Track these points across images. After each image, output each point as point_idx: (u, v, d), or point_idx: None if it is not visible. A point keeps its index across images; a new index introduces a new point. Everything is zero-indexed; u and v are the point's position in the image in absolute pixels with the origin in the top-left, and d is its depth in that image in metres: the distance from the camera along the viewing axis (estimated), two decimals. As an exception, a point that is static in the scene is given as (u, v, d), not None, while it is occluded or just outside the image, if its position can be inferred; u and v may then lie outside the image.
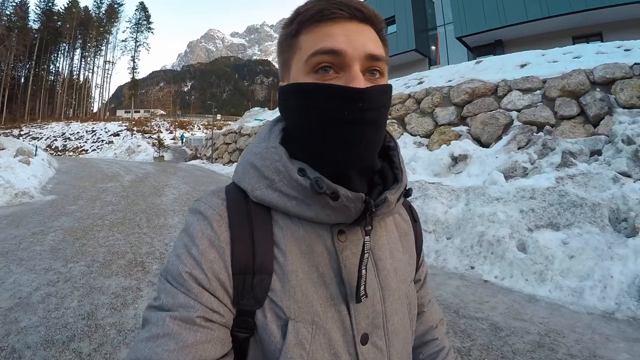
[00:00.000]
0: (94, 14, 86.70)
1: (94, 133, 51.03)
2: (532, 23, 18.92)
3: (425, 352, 0.97)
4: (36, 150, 17.15)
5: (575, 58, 9.94)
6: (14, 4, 72.00)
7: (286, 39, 0.71)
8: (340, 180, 0.66)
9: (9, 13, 70.39)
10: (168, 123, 60.74)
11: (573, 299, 4.41)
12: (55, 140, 49.91)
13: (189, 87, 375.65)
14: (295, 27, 0.69)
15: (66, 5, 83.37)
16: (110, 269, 5.07)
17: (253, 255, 0.67)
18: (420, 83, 12.94)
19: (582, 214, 5.29)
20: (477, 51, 22.29)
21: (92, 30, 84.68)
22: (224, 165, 23.77)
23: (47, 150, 37.48)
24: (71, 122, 58.83)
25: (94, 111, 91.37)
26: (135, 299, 4.14)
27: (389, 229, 0.83)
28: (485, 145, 9.30)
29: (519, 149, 8.27)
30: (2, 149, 14.94)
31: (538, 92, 9.41)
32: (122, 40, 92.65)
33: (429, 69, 19.88)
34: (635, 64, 8.12)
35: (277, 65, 0.79)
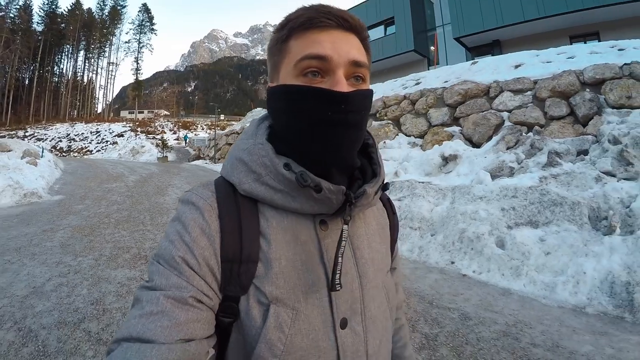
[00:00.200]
0: (97, 16, 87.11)
1: (98, 134, 51.22)
2: (529, 23, 19.00)
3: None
4: (42, 151, 17.39)
5: (569, 58, 10.08)
6: (18, 6, 72.37)
7: (277, 43, 0.76)
8: (323, 175, 0.72)
9: (12, 16, 70.79)
10: (172, 123, 60.85)
11: (546, 293, 4.60)
12: (60, 141, 50.09)
13: (192, 88, 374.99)
14: (286, 32, 0.74)
15: (69, 8, 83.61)
16: (116, 262, 5.46)
17: (240, 245, 0.71)
18: (417, 84, 13.12)
19: (561, 212, 5.47)
20: (476, 51, 22.39)
21: (96, 32, 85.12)
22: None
23: (52, 151, 37.45)
24: (75, 123, 59.15)
25: (98, 112, 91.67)
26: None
27: (368, 220, 0.88)
28: (476, 145, 9.51)
29: (507, 149, 8.42)
30: (9, 151, 15.19)
31: (529, 93, 9.56)
32: (126, 42, 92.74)
33: (428, 70, 20.06)
34: (625, 64, 8.26)
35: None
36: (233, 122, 49.87)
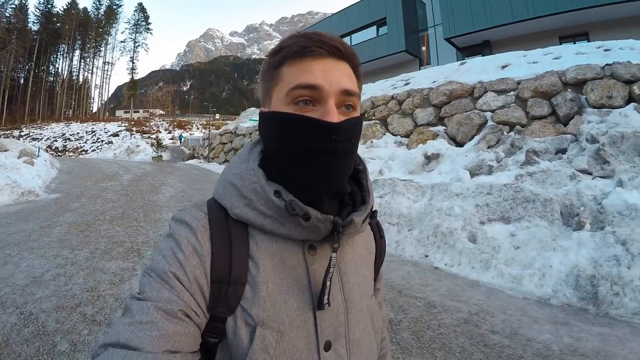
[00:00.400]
0: (92, 15, 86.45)
1: (93, 133, 51.05)
2: (519, 24, 19.12)
3: None
4: (38, 151, 17.54)
5: (555, 59, 10.23)
6: (14, 6, 72.18)
7: (269, 68, 0.78)
8: (313, 202, 0.74)
9: (8, 15, 70.59)
10: (167, 123, 60.54)
11: (512, 285, 4.81)
12: (56, 140, 49.95)
13: (188, 87, 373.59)
14: (279, 59, 0.75)
15: (65, 7, 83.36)
16: (110, 255, 5.79)
17: (230, 267, 0.73)
18: (406, 84, 13.31)
19: (533, 209, 5.66)
20: (466, 51, 22.52)
21: (91, 32, 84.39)
22: (219, 164, 24.07)
23: (47, 150, 37.34)
24: (71, 123, 58.85)
25: (94, 111, 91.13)
26: (131, 277, 4.88)
27: (356, 246, 0.90)
28: (460, 144, 9.72)
29: (488, 148, 8.58)
30: (6, 151, 15.26)
31: (512, 93, 9.71)
32: (121, 41, 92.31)
33: (420, 70, 20.23)
34: (607, 64, 8.39)
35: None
36: (228, 122, 49.78)
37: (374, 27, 28.24)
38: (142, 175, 17.58)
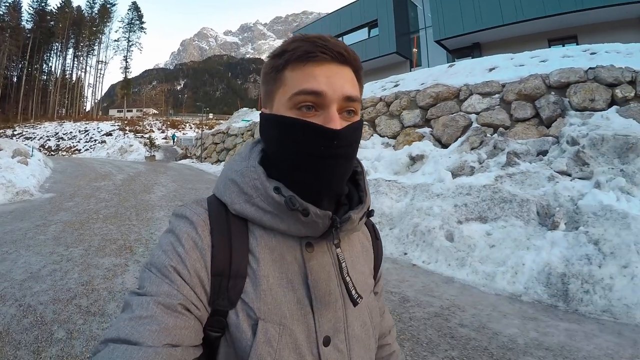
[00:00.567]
0: (86, 14, 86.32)
1: (86, 133, 51.00)
2: (508, 26, 19.24)
3: (379, 355, 1.06)
4: (32, 151, 17.64)
5: (541, 62, 10.25)
6: (7, 4, 71.90)
7: (272, 71, 0.78)
8: (312, 200, 0.75)
9: (1, 13, 70.52)
10: (160, 122, 60.60)
11: (486, 282, 5.00)
12: (49, 140, 49.87)
13: (181, 86, 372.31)
14: (282, 63, 0.75)
15: (59, 5, 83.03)
16: (104, 252, 6.04)
17: (230, 260, 0.74)
18: (396, 86, 13.34)
19: (510, 209, 5.82)
20: (457, 53, 22.67)
21: (85, 30, 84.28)
22: (212, 164, 24.28)
23: (40, 150, 37.28)
24: (64, 122, 58.71)
25: (87, 110, 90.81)
26: (123, 272, 5.15)
27: (353, 243, 0.91)
28: (445, 145, 9.82)
29: (472, 149, 8.73)
30: (0, 150, 15.46)
31: (497, 95, 9.77)
32: (115, 40, 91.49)
33: (411, 71, 20.38)
34: (590, 68, 8.47)
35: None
36: (222, 121, 49.72)
37: (366, 29, 28.46)
38: (134, 175, 17.71)
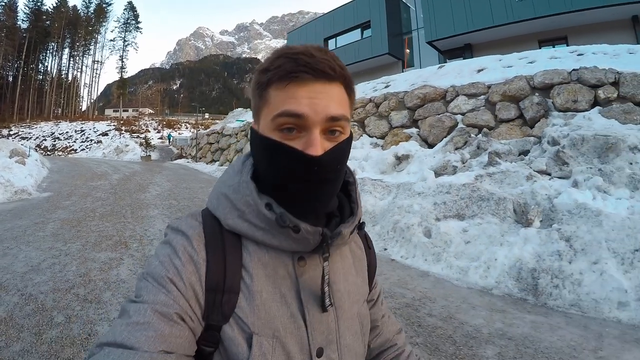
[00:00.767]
0: (82, 14, 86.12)
1: (82, 133, 51.09)
2: (499, 28, 19.48)
3: (387, 356, 1.08)
4: (29, 151, 17.77)
5: (529, 63, 10.45)
6: (3, 3, 71.78)
7: (258, 87, 0.76)
8: (302, 213, 0.76)
9: (-3, 13, 70.33)
10: (156, 122, 60.72)
11: (459, 276, 5.19)
12: (45, 140, 49.95)
13: (177, 86, 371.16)
14: (266, 81, 0.74)
15: (55, 5, 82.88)
16: (100, 247, 6.36)
17: (224, 276, 0.75)
18: (387, 87, 13.60)
19: (487, 207, 5.99)
20: (448, 54, 22.92)
21: (81, 30, 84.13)
22: (206, 164, 24.46)
23: (36, 150, 37.07)
24: (60, 122, 58.77)
25: (83, 110, 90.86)
26: (118, 265, 5.49)
27: (344, 255, 0.91)
28: (431, 145, 10.02)
29: (456, 149, 8.89)
30: (-3, 150, 15.55)
31: (482, 97, 9.98)
32: (111, 40, 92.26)
33: (403, 72, 20.61)
34: (574, 70, 8.62)
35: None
36: (217, 121, 49.88)
37: (359, 30, 28.73)
38: (130, 175, 17.88)
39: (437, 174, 7.90)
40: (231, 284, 0.75)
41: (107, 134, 49.19)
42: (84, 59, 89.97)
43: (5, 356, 3.14)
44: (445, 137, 9.81)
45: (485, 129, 9.31)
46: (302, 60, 0.71)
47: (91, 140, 48.17)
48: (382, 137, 11.77)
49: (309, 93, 0.71)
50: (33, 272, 5.15)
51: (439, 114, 10.58)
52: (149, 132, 52.34)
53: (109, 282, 4.85)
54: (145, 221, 8.39)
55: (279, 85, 0.72)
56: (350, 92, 0.78)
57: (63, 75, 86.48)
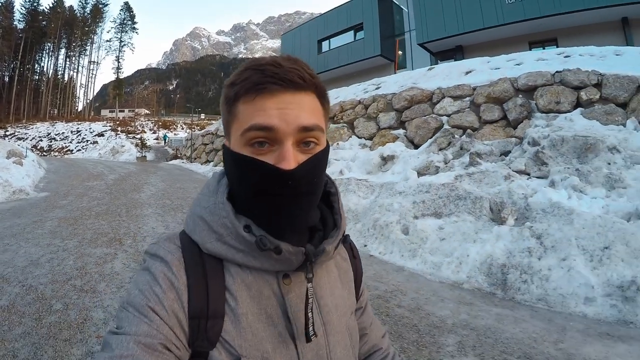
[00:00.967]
0: (78, 14, 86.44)
1: (78, 133, 51.27)
2: (490, 30, 19.69)
3: None
4: (26, 152, 17.97)
5: (517, 65, 10.59)
6: (0, 4, 71.88)
7: (227, 102, 0.74)
8: (283, 232, 0.74)
9: (-6, 13, 70.24)
10: (152, 123, 60.92)
11: (432, 271, 5.38)
12: (41, 140, 50.14)
13: (174, 86, 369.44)
14: (233, 95, 0.72)
15: (51, 5, 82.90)
16: (95, 243, 6.70)
17: (207, 301, 0.72)
18: (377, 88, 13.81)
19: (464, 206, 6.17)
20: (440, 56, 23.13)
21: (77, 30, 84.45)
22: (201, 164, 24.63)
23: (33, 150, 37.31)
24: (56, 122, 59.03)
25: (79, 110, 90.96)
26: (113, 259, 5.85)
27: (329, 269, 0.89)
28: (418, 146, 10.25)
29: (440, 150, 9.17)
30: (-6, 151, 15.67)
31: (467, 98, 10.25)
32: (107, 40, 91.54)
33: (396, 73, 20.83)
34: (557, 72, 8.81)
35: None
36: (213, 121, 49.80)
37: (352, 32, 29.02)
38: (126, 175, 18.10)
39: (420, 174, 8.11)
40: (215, 308, 0.73)
41: (103, 135, 49.39)
42: (80, 59, 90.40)
43: (8, 338, 3.50)
44: (431, 138, 10.04)
45: (469, 130, 9.58)
46: (269, 70, 0.69)
47: (87, 140, 48.44)
48: (371, 138, 12.03)
49: (278, 104, 0.69)
50: (33, 266, 5.49)
51: (425, 116, 10.80)
52: (145, 132, 52.56)
53: (103, 275, 5.21)
54: (139, 219, 8.71)
55: (246, 98, 0.70)
56: (324, 101, 0.77)
57: (59, 76, 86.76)
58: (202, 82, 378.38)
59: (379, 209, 7.01)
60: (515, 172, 6.94)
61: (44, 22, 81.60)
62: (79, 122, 58.71)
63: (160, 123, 60.87)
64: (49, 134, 52.43)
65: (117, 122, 58.29)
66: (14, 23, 76.63)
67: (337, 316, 0.85)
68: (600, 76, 8.26)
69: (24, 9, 78.70)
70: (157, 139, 50.49)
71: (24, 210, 9.55)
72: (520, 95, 9.23)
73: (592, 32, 17.54)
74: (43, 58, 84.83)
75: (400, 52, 26.76)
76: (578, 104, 8.37)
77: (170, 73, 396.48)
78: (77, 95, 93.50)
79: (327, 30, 31.11)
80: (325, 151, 0.77)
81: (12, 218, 8.55)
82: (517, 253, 4.90)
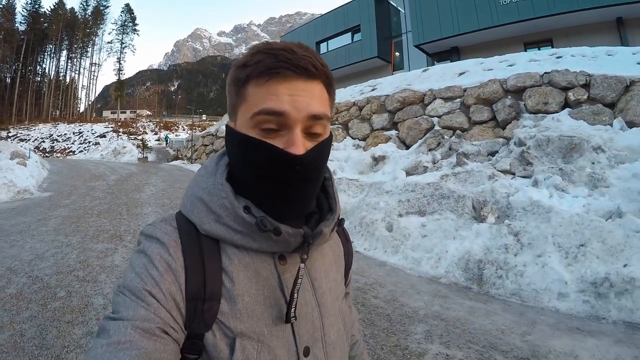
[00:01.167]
0: (80, 16, 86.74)
1: (80, 134, 51.60)
2: (485, 31, 19.74)
3: None
4: (29, 153, 18.26)
5: (509, 66, 10.76)
6: (1, 6, 72.08)
7: (235, 83, 0.73)
8: (282, 216, 0.73)
9: (-5, 15, 70.58)
10: (153, 124, 61.41)
11: (413, 266, 5.59)
12: (43, 141, 50.42)
13: (175, 87, 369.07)
14: (244, 77, 0.71)
15: (52, 7, 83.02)
16: (97, 239, 7.09)
17: (204, 283, 0.71)
18: (373, 90, 14.05)
19: (447, 204, 6.34)
20: (436, 57, 23.24)
21: (78, 32, 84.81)
22: (201, 165, 24.68)
23: (35, 151, 37.53)
24: (58, 124, 59.34)
25: (81, 112, 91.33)
26: (113, 253, 6.24)
27: (324, 252, 0.89)
28: (409, 147, 10.43)
29: (429, 150, 9.28)
30: (-1, 152, 15.95)
31: (458, 100, 10.47)
32: (108, 42, 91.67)
33: (393, 74, 20.95)
34: (545, 73, 8.95)
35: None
36: (214, 122, 50.09)
37: (349, 34, 29.27)
38: (127, 176, 18.36)
39: (409, 173, 8.26)
40: (212, 290, 0.72)
41: (104, 136, 49.75)
42: (82, 61, 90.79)
43: (17, 320, 3.89)
44: (421, 139, 10.22)
45: (458, 131, 9.83)
46: (283, 56, 0.68)
47: (89, 142, 48.72)
48: (364, 139, 12.28)
49: (290, 90, 0.68)
50: (38, 259, 5.87)
51: (417, 117, 11.04)
52: (146, 133, 53.03)
53: (104, 267, 5.59)
54: (140, 217, 9.06)
55: (258, 81, 0.69)
56: (331, 91, 0.78)
57: (61, 77, 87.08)
58: (203, 83, 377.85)
59: (366, 207, 7.24)
60: (501, 171, 7.05)
61: (45, 24, 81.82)
62: (81, 124, 59.11)
63: (161, 124, 61.32)
64: (51, 135, 52.72)
65: (119, 124, 58.76)
66: (16, 25, 76.98)
67: (331, 299, 0.86)
68: (589, 77, 8.39)
69: (25, 11, 78.95)
70: (158, 140, 50.80)
71: (29, 209, 9.90)
72: (510, 97, 9.39)
73: (587, 32, 17.63)
74: (45, 60, 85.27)
75: (397, 54, 26.88)
76: (566, 104, 8.50)
77: (171, 74, 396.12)
78: (79, 96, 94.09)
79: (325, 32, 31.38)
80: (330, 140, 0.78)
81: (18, 216, 8.91)
82: (495, 249, 5.06)
